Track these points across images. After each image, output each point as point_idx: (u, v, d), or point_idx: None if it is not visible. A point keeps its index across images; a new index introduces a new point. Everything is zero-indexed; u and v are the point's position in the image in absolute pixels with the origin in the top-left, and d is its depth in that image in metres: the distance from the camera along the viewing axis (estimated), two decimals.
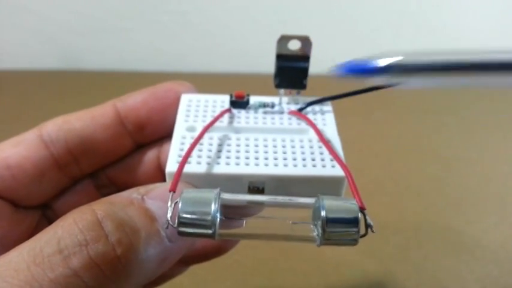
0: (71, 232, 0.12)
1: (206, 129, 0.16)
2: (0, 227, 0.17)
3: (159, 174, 0.19)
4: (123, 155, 0.19)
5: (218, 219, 0.12)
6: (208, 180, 0.15)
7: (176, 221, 0.12)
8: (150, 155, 0.20)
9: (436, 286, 0.29)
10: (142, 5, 0.54)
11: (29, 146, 0.17)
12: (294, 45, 0.17)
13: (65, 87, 0.53)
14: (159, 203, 0.14)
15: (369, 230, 0.12)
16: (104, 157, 0.19)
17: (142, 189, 0.14)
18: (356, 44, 0.56)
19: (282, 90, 0.19)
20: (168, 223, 0.12)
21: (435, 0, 0.54)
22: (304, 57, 0.17)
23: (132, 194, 0.14)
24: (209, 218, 0.12)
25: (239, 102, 0.18)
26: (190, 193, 0.13)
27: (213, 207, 0.12)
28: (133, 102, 0.19)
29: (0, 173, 0.16)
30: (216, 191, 0.13)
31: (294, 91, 0.18)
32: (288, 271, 0.29)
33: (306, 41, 0.17)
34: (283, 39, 0.17)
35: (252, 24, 0.55)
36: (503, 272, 0.30)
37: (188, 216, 0.12)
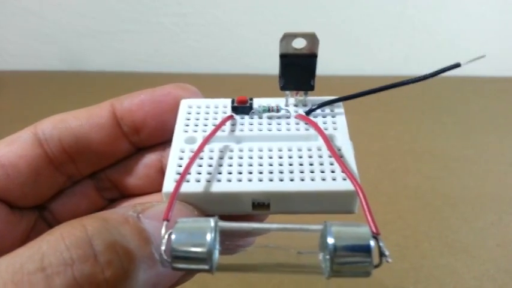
0: (56, 248, 0.11)
1: (205, 143, 0.15)
2: None
3: (162, 178, 0.19)
4: (122, 156, 0.19)
5: (216, 252, 0.11)
6: (209, 200, 0.14)
7: (170, 254, 0.11)
8: (152, 158, 0.19)
9: (434, 284, 0.29)
10: (143, 7, 0.54)
11: (23, 145, 0.17)
12: (299, 44, 0.15)
13: (67, 88, 0.54)
14: (155, 223, 0.13)
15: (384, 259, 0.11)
16: (100, 158, 0.18)
17: (138, 206, 0.14)
18: (354, 45, 0.56)
19: (288, 92, 0.17)
20: (162, 257, 0.11)
21: (432, 2, 0.53)
22: (311, 55, 0.16)
23: (127, 211, 0.13)
24: (205, 251, 0.11)
25: (242, 108, 0.17)
26: (185, 223, 0.11)
27: (209, 238, 0.11)
28: (129, 104, 0.18)
29: None
30: (214, 219, 0.11)
31: (301, 92, 0.17)
32: None
33: (312, 38, 0.15)
34: (287, 38, 0.15)
35: (251, 25, 0.56)
36: (500, 270, 0.29)
37: (182, 249, 0.11)
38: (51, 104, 0.48)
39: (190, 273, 0.16)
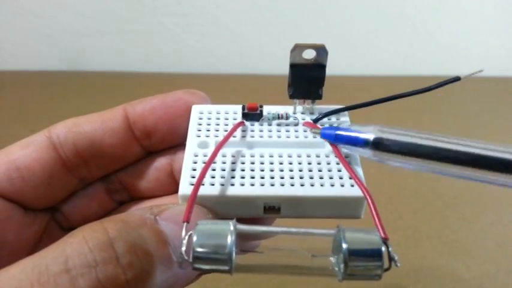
0: (80, 251, 0.11)
1: (219, 148, 0.16)
2: (10, 230, 0.16)
3: (172, 181, 0.19)
4: (133, 160, 0.19)
5: (234, 254, 0.11)
6: (222, 202, 0.15)
7: (191, 255, 0.12)
8: (163, 162, 0.19)
9: (434, 284, 0.29)
10: (143, 7, 0.54)
11: (38, 148, 0.17)
12: (309, 55, 0.16)
13: (67, 88, 0.54)
14: (172, 225, 0.13)
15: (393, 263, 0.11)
16: (113, 161, 0.19)
17: (155, 208, 0.14)
18: (354, 45, 0.56)
19: (296, 100, 0.18)
20: (183, 258, 0.12)
21: (432, 2, 0.53)
22: (319, 66, 0.16)
23: (145, 213, 0.14)
24: (225, 252, 0.11)
25: (252, 115, 0.17)
26: (206, 225, 0.12)
27: (229, 241, 0.11)
28: (142, 109, 0.18)
29: (10, 175, 0.16)
30: (232, 222, 0.12)
31: (309, 101, 0.18)
32: None
33: (321, 50, 0.16)
34: (297, 48, 0.16)
35: (251, 25, 0.55)
36: (500, 270, 0.30)
37: (203, 250, 0.12)
38: (51, 104, 0.48)
39: (209, 273, 0.16)
